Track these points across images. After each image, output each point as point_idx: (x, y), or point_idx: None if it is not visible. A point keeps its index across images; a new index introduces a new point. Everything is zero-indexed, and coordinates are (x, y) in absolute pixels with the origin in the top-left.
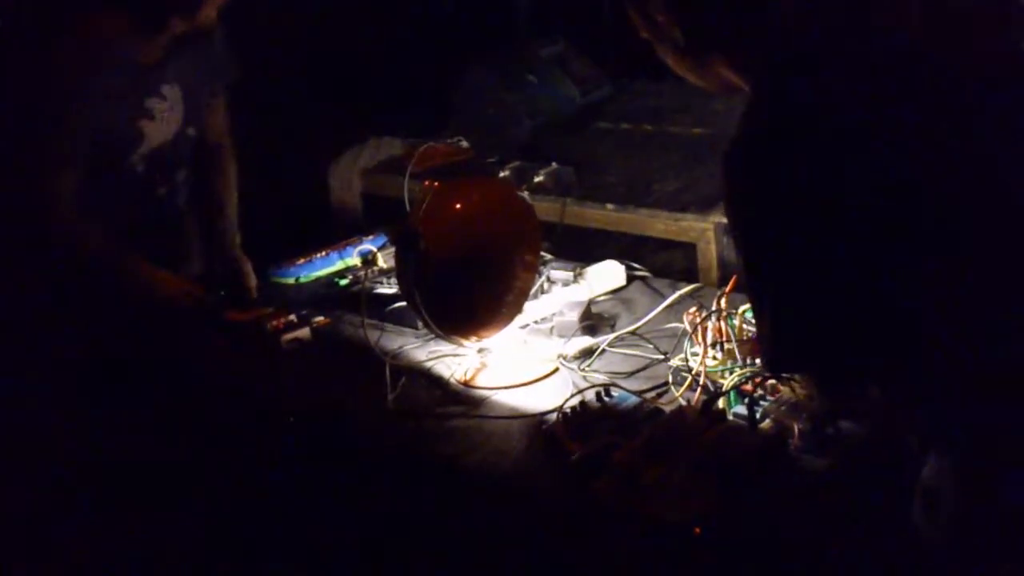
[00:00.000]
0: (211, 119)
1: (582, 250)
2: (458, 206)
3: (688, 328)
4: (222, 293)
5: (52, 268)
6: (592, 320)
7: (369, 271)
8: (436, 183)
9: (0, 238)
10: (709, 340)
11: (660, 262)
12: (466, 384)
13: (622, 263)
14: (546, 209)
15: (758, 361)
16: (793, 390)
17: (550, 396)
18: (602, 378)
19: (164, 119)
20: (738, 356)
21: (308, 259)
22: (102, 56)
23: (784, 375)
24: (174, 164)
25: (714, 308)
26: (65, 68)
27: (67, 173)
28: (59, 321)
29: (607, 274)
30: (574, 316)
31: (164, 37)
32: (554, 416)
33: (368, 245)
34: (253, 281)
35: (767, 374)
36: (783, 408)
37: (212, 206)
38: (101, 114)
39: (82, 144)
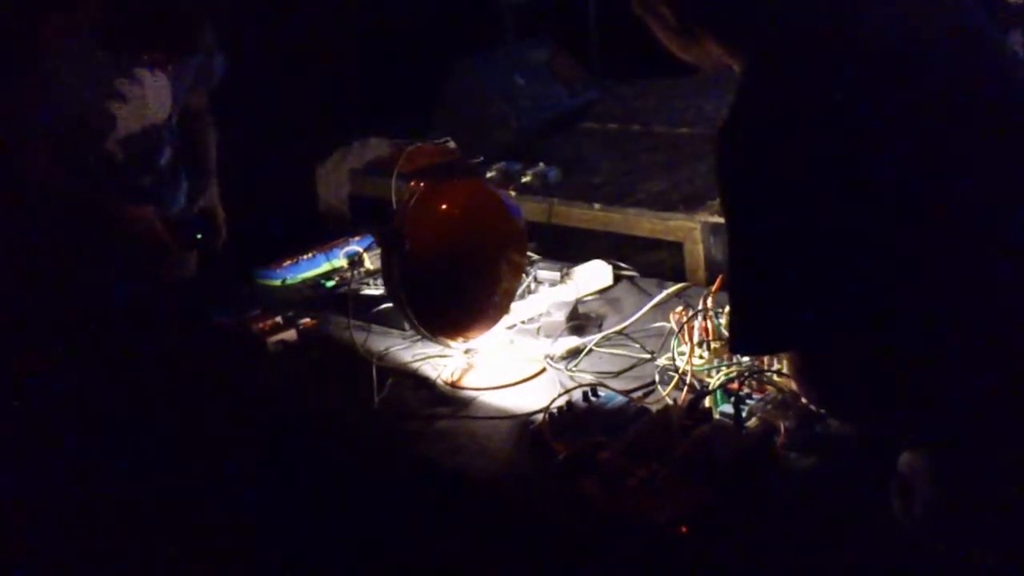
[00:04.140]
0: (192, 98)
1: (569, 250)
2: (444, 207)
3: (675, 327)
4: (198, 236)
5: (27, 215)
6: (579, 320)
7: (355, 272)
8: (422, 184)
9: None
10: (696, 339)
11: (647, 261)
12: (453, 385)
13: (609, 263)
14: (533, 209)
15: (744, 360)
16: (779, 388)
17: (537, 396)
18: (589, 378)
19: (139, 103)
20: (724, 355)
21: (294, 261)
22: (74, 30)
23: (748, 357)
24: (155, 151)
25: (700, 307)
26: (40, 40)
27: (39, 132)
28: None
29: (594, 274)
30: (561, 316)
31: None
32: (541, 416)
33: (355, 246)
34: (222, 219)
35: (737, 357)
36: (769, 406)
37: (194, 158)
38: (70, 87)
39: (55, 116)
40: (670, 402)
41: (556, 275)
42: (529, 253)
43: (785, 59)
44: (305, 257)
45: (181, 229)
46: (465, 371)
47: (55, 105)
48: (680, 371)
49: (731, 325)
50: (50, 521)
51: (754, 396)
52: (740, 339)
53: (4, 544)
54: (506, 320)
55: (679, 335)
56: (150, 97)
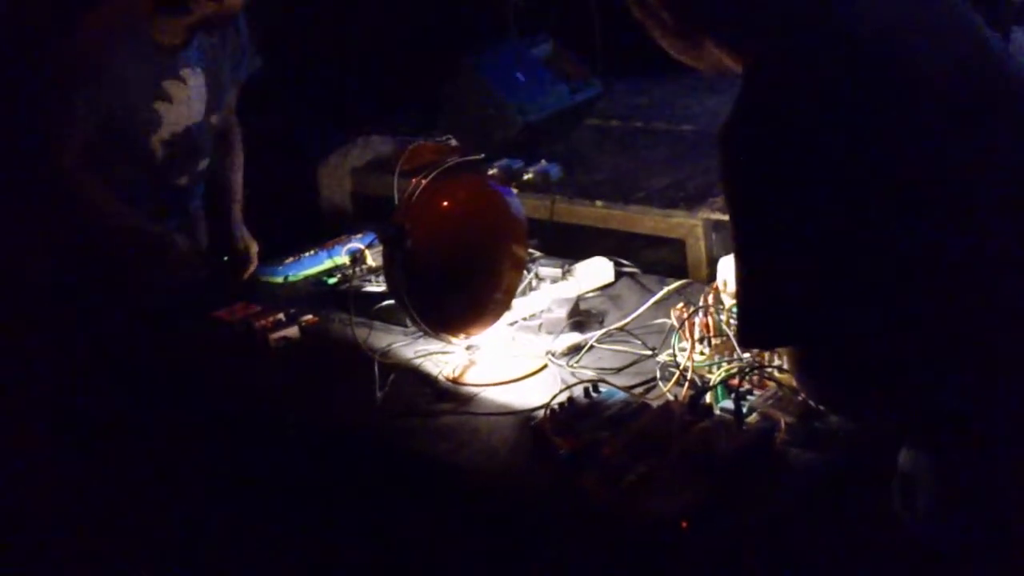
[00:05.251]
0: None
1: (571, 247)
2: (446, 204)
3: (676, 324)
4: (224, 259)
5: (56, 220)
6: (580, 316)
7: (357, 269)
8: (424, 181)
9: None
10: (697, 335)
11: (649, 258)
12: (454, 381)
13: (611, 259)
14: (535, 206)
15: (745, 356)
16: (780, 384)
17: (538, 392)
18: (590, 374)
19: (185, 103)
20: (725, 351)
21: (297, 258)
22: (123, 30)
23: (754, 350)
24: (195, 153)
25: (701, 304)
26: (85, 39)
27: (75, 135)
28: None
29: (596, 270)
30: (562, 312)
31: (188, 19)
32: (542, 412)
33: (356, 243)
34: (255, 249)
35: (744, 353)
36: (770, 402)
37: (220, 180)
38: (118, 88)
39: (95, 115)
40: (671, 398)
41: (558, 272)
42: (531, 250)
43: (786, 59)
44: (307, 254)
45: (208, 252)
46: (467, 367)
47: (97, 96)
48: (681, 367)
49: (738, 319)
50: (49, 521)
51: (755, 392)
52: (745, 333)
53: (5, 544)
54: (508, 317)
55: (680, 331)
56: (193, 97)
